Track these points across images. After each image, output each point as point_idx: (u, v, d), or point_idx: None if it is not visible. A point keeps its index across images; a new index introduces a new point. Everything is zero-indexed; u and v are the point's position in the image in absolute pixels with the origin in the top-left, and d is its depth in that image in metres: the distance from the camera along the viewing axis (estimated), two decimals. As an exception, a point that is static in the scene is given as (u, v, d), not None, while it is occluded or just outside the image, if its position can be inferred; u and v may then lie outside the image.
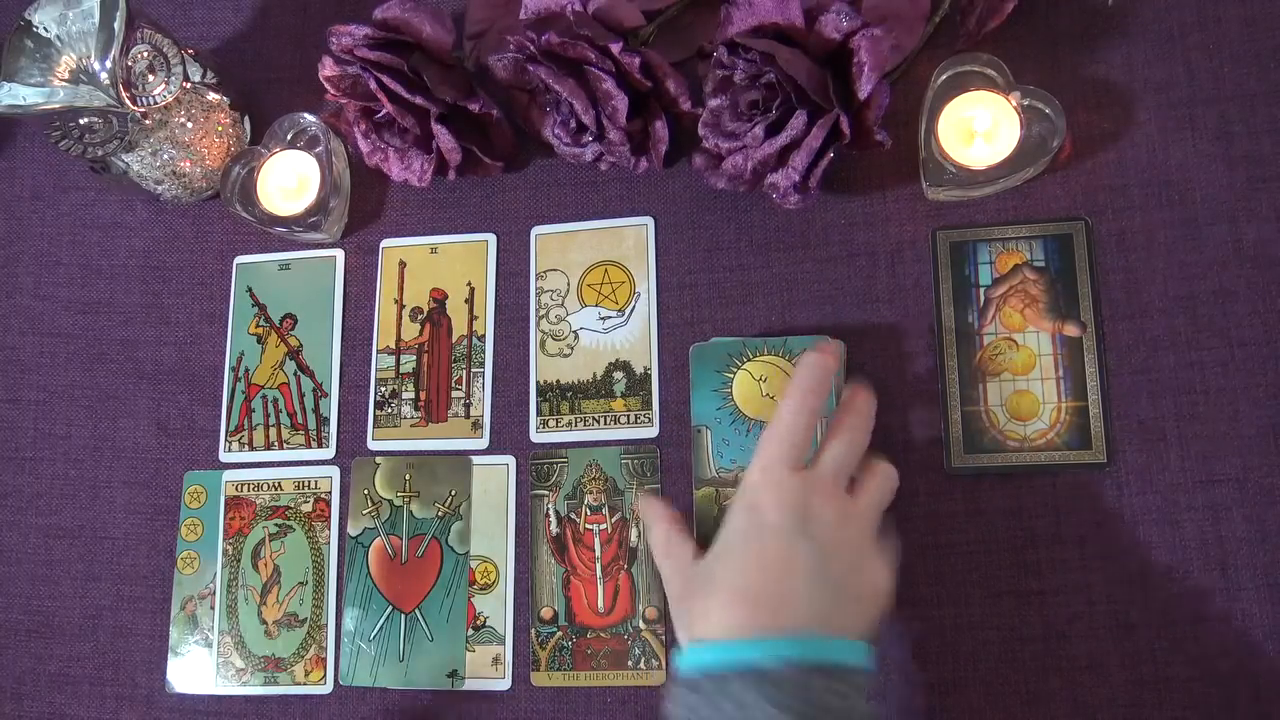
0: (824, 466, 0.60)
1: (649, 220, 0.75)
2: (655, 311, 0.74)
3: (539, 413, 0.74)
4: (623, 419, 0.73)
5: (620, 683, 0.69)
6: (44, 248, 0.83)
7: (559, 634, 0.70)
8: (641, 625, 0.69)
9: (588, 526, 0.71)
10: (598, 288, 0.75)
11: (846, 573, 0.57)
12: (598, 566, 0.71)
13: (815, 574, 0.56)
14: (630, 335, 0.74)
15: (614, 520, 0.71)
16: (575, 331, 0.75)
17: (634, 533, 0.71)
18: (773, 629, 0.55)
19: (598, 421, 0.73)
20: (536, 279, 0.76)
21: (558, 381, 0.74)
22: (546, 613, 0.71)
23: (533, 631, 0.71)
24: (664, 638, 0.69)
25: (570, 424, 0.73)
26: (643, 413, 0.73)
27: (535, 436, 0.74)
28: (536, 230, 0.77)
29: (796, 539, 0.57)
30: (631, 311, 0.74)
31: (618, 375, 0.74)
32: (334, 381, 0.77)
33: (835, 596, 0.56)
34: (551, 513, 0.72)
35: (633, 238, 0.76)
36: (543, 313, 0.76)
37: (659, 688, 0.68)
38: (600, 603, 0.70)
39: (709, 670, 0.54)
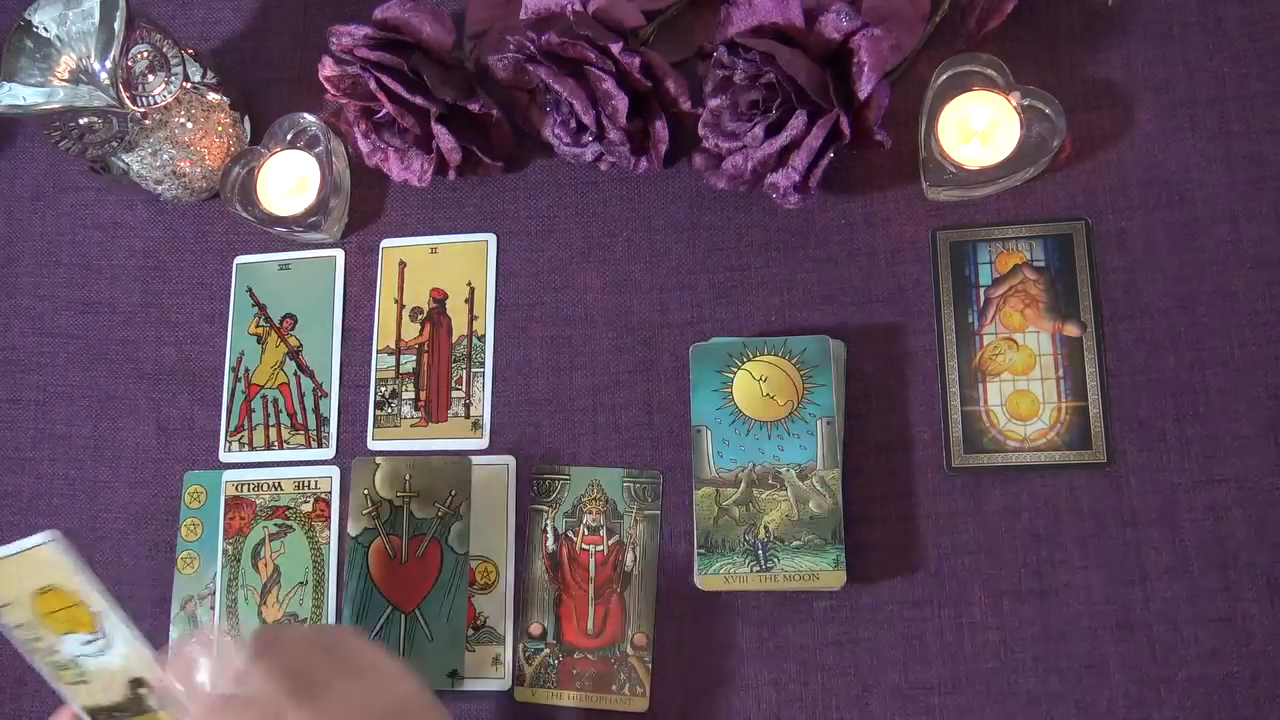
0: None
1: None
2: (655, 311, 0.74)
3: (539, 413, 0.74)
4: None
5: (603, 706, 0.68)
6: (44, 248, 0.83)
7: (546, 651, 0.70)
8: (629, 650, 0.68)
9: (584, 546, 0.71)
10: None
11: None
12: (590, 588, 0.70)
13: None
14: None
15: (611, 543, 0.70)
16: None
17: (630, 557, 0.70)
18: None
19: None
20: None
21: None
22: (535, 629, 0.70)
23: (520, 646, 0.70)
24: (650, 665, 0.68)
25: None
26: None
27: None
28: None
29: None
30: None
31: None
32: (334, 381, 0.77)
33: None
34: (549, 529, 0.72)
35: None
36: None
37: (642, 715, 0.68)
38: (590, 624, 0.69)
39: None
